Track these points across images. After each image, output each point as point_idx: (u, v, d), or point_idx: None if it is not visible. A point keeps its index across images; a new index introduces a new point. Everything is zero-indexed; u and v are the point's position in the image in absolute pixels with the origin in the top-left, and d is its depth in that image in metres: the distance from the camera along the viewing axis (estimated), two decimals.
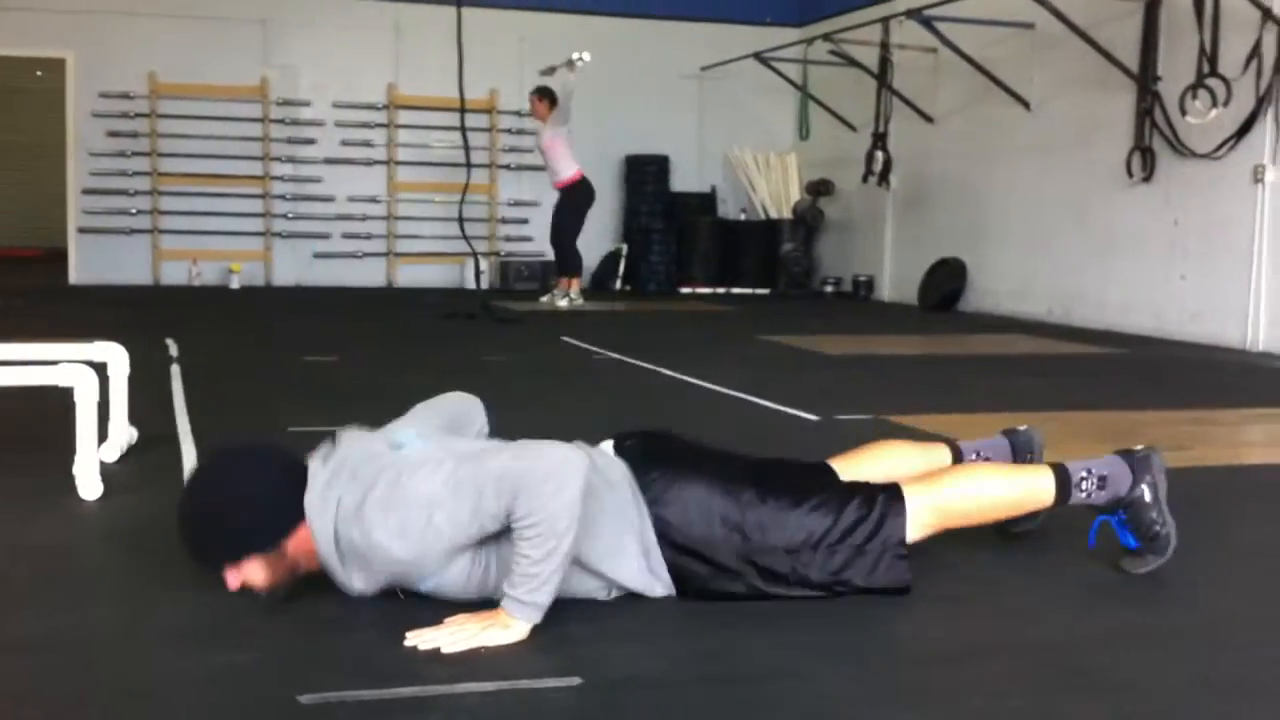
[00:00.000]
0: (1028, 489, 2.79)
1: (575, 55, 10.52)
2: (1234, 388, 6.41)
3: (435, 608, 2.41)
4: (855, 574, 2.63)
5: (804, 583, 2.61)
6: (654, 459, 2.68)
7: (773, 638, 2.39)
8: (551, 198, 12.22)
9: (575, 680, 2.14)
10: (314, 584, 2.64)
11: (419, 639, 2.29)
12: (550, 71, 11.00)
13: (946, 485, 2.75)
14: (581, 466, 2.36)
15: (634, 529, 2.58)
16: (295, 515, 2.47)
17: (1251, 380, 6.77)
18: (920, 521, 2.67)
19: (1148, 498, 2.77)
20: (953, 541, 3.04)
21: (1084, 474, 2.77)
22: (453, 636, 2.30)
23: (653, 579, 2.60)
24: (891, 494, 2.68)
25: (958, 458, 3.05)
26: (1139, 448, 2.83)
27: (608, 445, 2.74)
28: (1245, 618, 2.61)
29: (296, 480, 2.50)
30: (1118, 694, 2.14)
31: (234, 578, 2.48)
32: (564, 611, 2.40)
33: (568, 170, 10.89)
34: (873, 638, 2.47)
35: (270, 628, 2.39)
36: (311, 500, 2.46)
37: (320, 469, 2.51)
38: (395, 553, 2.39)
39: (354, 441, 2.58)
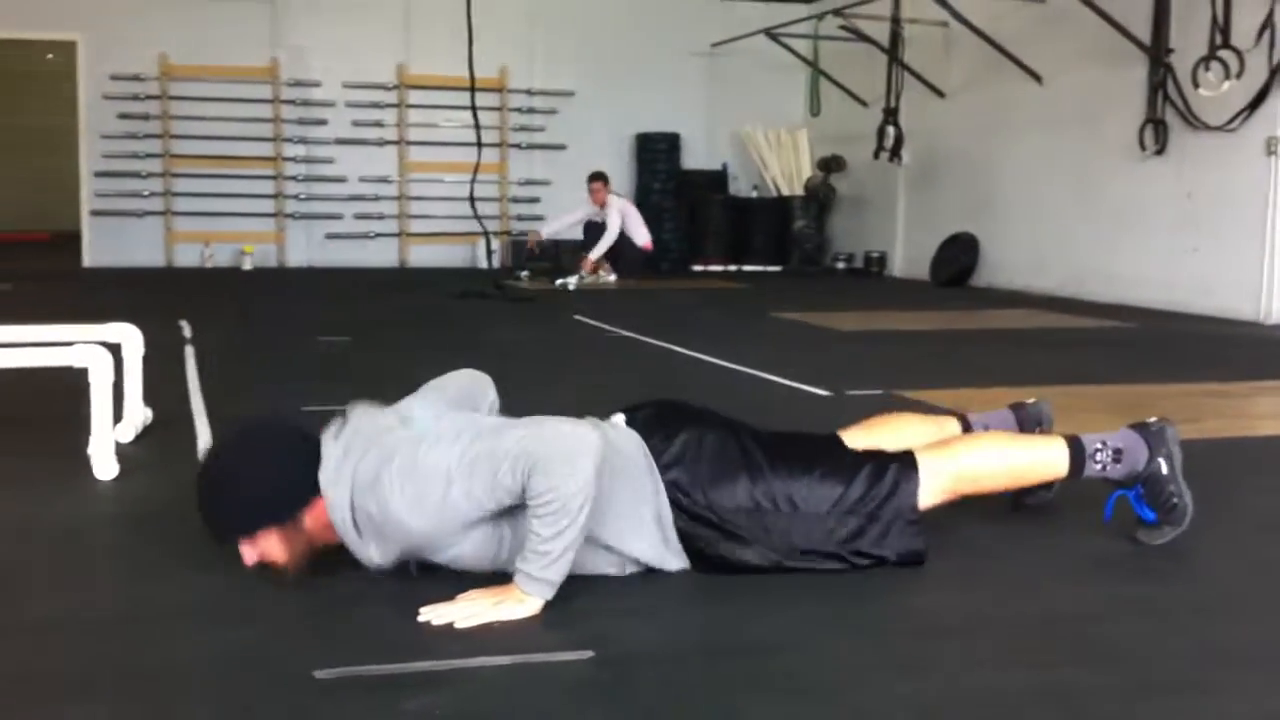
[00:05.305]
0: (1040, 459, 2.80)
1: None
2: (1246, 360, 6.39)
3: (449, 584, 2.43)
4: (866, 542, 2.64)
5: (815, 552, 2.62)
6: (667, 424, 2.69)
7: (778, 611, 2.41)
8: (561, 177, 12.28)
9: (588, 654, 2.16)
10: (328, 560, 2.67)
11: (432, 614, 2.31)
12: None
13: (960, 452, 2.76)
14: (596, 445, 2.38)
15: (648, 501, 2.59)
16: (311, 487, 2.49)
17: (1263, 353, 6.75)
18: (933, 488, 2.69)
19: (1165, 470, 2.78)
20: (961, 515, 3.06)
21: (1098, 446, 2.77)
22: (466, 611, 2.32)
23: (666, 551, 2.61)
24: (905, 462, 2.69)
25: (966, 430, 3.06)
26: (1151, 420, 2.83)
27: (619, 418, 2.75)
28: (1254, 589, 2.62)
29: (312, 453, 2.52)
30: (1122, 665, 2.16)
31: (250, 552, 2.50)
32: (573, 587, 2.41)
33: (643, 237, 11.36)
34: (878, 611, 2.48)
35: (285, 605, 2.42)
36: (327, 473, 2.48)
37: (333, 443, 2.52)
38: (411, 524, 2.41)
39: (366, 416, 2.60)
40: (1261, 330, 7.83)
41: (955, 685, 2.07)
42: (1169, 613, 2.45)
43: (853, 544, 2.63)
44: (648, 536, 2.59)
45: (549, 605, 2.36)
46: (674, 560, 2.62)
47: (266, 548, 2.50)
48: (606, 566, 2.59)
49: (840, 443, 2.84)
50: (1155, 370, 5.95)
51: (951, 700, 2.01)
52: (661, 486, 2.60)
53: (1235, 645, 2.27)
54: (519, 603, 2.35)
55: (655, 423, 2.70)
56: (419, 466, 2.41)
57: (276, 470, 2.51)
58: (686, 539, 2.61)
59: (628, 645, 2.22)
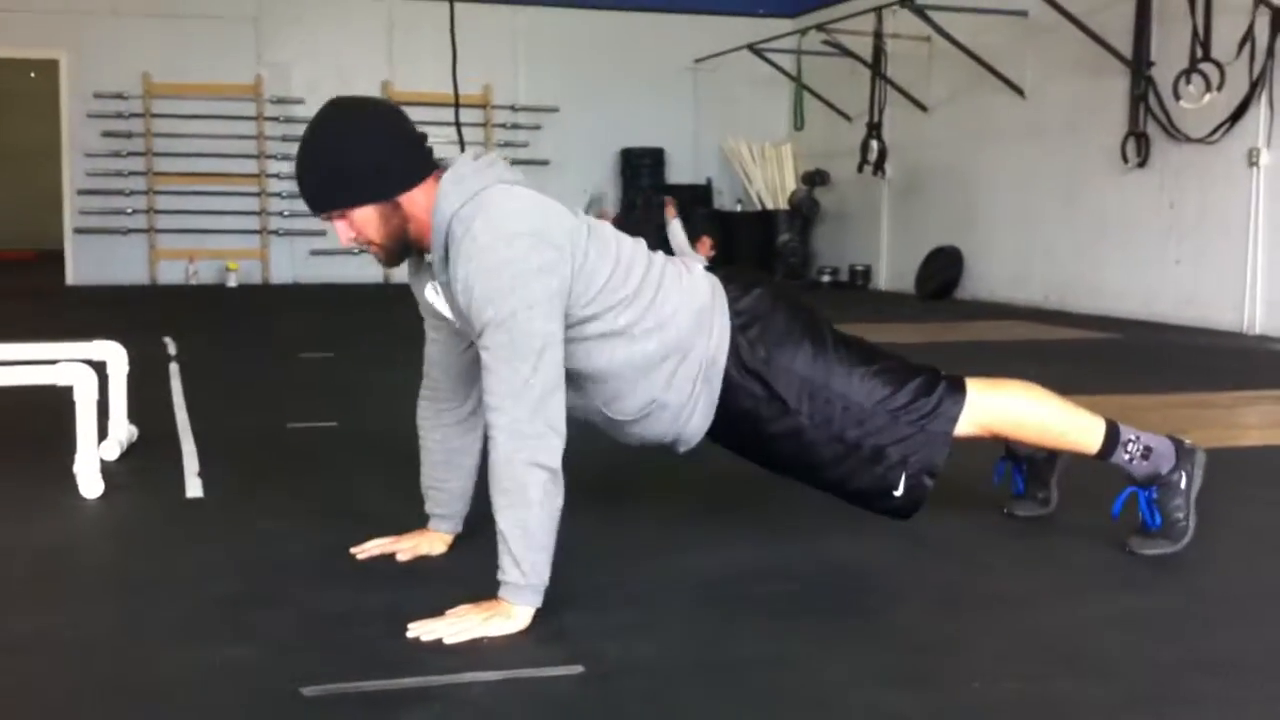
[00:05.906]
0: (1080, 426, 2.82)
1: None
2: (1230, 371, 6.42)
3: (437, 599, 2.42)
4: (894, 447, 2.68)
5: (841, 439, 2.67)
6: (745, 279, 2.75)
7: (768, 626, 2.41)
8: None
9: (578, 669, 2.15)
10: (314, 575, 2.66)
11: (421, 630, 2.30)
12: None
13: (1010, 392, 2.82)
14: (554, 451, 2.36)
15: (702, 343, 2.61)
16: (422, 171, 2.48)
17: (1247, 364, 6.78)
18: (973, 418, 2.73)
19: (1182, 485, 2.81)
20: (951, 526, 3.06)
21: (1132, 438, 2.80)
22: (454, 627, 2.30)
23: (696, 401, 2.64)
24: (955, 383, 2.75)
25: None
26: (1188, 440, 2.86)
27: (699, 265, 2.77)
28: (1241, 600, 2.62)
29: (426, 144, 2.52)
30: (1112, 676, 2.15)
31: (346, 229, 2.49)
32: (564, 604, 2.41)
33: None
34: (868, 624, 2.48)
35: (272, 622, 2.40)
36: (457, 171, 2.47)
37: (475, 159, 2.51)
38: (457, 274, 2.40)
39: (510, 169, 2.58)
40: (1245, 340, 7.86)
41: (946, 698, 2.07)
42: (1157, 623, 2.45)
43: (879, 442, 2.67)
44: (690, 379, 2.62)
45: (539, 620, 2.35)
46: (699, 415, 2.65)
47: (364, 225, 2.47)
48: (657, 429, 2.67)
49: (899, 356, 2.87)
50: (1140, 381, 5.96)
51: (943, 713, 2.01)
52: (726, 329, 2.63)
53: (1222, 655, 2.27)
54: (508, 617, 2.33)
55: (734, 277, 2.75)
56: (502, 262, 2.37)
57: (391, 144, 2.48)
58: (728, 393, 2.64)
59: (618, 660, 2.21)
